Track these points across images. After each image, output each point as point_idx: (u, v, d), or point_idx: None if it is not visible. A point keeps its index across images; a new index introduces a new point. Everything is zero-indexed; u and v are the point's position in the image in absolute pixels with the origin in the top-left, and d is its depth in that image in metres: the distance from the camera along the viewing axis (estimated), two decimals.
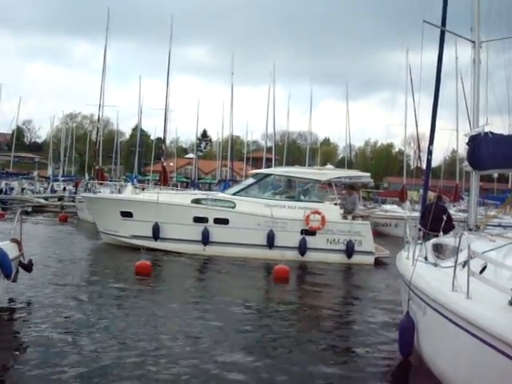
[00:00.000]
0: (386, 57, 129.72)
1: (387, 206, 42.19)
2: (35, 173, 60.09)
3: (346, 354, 8.58)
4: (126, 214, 20.08)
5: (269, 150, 61.23)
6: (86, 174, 56.27)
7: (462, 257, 6.48)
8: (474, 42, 10.63)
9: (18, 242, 10.34)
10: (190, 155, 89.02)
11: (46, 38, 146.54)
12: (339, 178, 21.79)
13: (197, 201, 20.21)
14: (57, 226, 29.39)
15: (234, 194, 20.83)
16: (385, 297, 13.38)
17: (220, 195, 21.64)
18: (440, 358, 6.75)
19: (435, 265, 8.08)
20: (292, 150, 76.18)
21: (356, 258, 19.22)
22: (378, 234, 34.20)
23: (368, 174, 26.84)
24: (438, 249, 9.05)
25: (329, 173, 21.67)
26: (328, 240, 19.48)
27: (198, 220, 19.57)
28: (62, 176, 63.92)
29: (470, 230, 9.75)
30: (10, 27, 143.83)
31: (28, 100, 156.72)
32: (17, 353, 7.83)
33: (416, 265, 7.89)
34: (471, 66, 10.69)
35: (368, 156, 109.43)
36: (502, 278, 5.76)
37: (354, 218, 20.21)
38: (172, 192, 25.57)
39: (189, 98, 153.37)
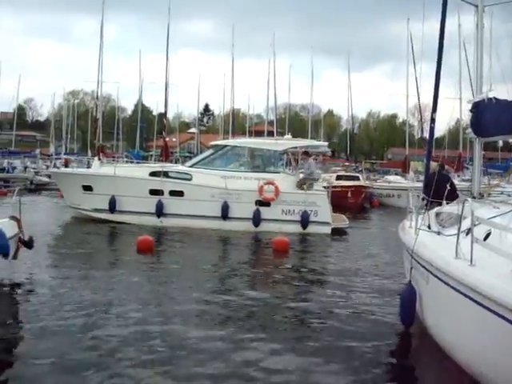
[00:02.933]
0: (388, 27, 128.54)
1: (390, 177, 42.11)
2: (37, 151, 59.95)
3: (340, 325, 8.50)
4: (87, 188, 20.65)
5: (271, 122, 60.84)
6: (89, 151, 56.07)
7: (466, 224, 6.37)
8: (476, 6, 10.38)
9: (18, 220, 10.26)
10: (193, 130, 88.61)
11: (46, 15, 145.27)
12: (295, 147, 22.02)
13: (154, 173, 20.48)
14: (58, 201, 29.19)
15: (191, 166, 21.12)
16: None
17: (178, 168, 22.06)
18: (443, 326, 6.68)
19: (438, 233, 7.99)
20: (294, 123, 75.62)
21: (311, 228, 19.03)
22: (381, 205, 34.37)
23: (325, 143, 27.02)
24: (441, 217, 8.93)
25: (285, 143, 21.63)
26: (283, 211, 19.39)
27: (153, 192, 19.85)
28: (65, 154, 63.73)
29: (474, 198, 9.62)
30: (11, 5, 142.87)
31: (29, 78, 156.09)
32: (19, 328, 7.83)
33: (419, 233, 7.77)
34: (474, 32, 10.45)
35: (371, 127, 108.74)
36: (507, 244, 5.64)
37: (311, 184, 20.10)
38: (131, 165, 25.65)
39: (191, 73, 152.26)
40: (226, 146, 22.29)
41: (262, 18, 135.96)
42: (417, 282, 7.63)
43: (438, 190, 9.21)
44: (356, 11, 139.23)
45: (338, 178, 34.66)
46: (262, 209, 19.28)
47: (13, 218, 10.20)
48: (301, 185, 19.88)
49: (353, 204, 30.84)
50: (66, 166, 42.57)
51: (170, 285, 10.79)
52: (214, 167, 20.66)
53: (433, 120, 12.60)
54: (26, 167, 47.36)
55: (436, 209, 9.43)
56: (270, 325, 8.39)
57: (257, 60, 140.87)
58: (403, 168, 38.88)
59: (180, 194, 19.84)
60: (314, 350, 7.21)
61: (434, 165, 14.09)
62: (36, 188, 37.11)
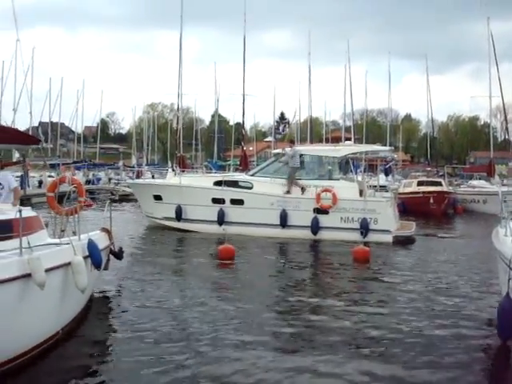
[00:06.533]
0: (467, 27, 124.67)
1: (474, 182, 40.62)
2: (120, 162, 61.88)
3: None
4: (158, 198, 21.51)
5: (348, 129, 60.15)
6: (169, 162, 57.32)
7: None
8: None
9: (108, 231, 10.57)
10: (269, 138, 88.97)
11: (128, 31, 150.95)
12: (355, 153, 21.67)
13: (217, 183, 20.83)
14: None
15: (253, 175, 21.33)
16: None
17: (239, 176, 22.32)
18: None
19: None
20: (372, 128, 74.46)
21: (371, 237, 18.29)
22: (465, 211, 33.15)
23: (387, 148, 26.06)
24: None
25: (344, 149, 21.28)
26: (342, 218, 19.00)
27: (215, 201, 20.19)
28: (146, 165, 65.49)
29: None
30: (93, 24, 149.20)
31: (111, 93, 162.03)
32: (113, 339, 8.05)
33: None
34: None
35: (451, 131, 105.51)
36: None
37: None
38: (197, 175, 26.50)
39: (267, 82, 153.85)
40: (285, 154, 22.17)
41: (339, 25, 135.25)
42: None
43: None
44: (434, 12, 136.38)
45: (420, 183, 33.75)
46: (321, 217, 19.05)
47: (104, 229, 10.51)
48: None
49: (435, 211, 29.93)
50: (138, 177, 43.94)
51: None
52: (274, 175, 20.64)
53: None
54: (110, 179, 48.99)
55: None
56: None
57: (333, 67, 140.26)
58: (488, 172, 37.31)
59: (240, 202, 20.09)
60: (406, 367, 7.06)
61: None
62: (120, 199, 38.25)
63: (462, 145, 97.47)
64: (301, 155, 20.85)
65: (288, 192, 19.83)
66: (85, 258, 8.11)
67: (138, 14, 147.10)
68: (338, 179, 20.48)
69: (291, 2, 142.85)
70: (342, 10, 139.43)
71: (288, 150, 20.71)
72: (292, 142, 22.05)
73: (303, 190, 19.74)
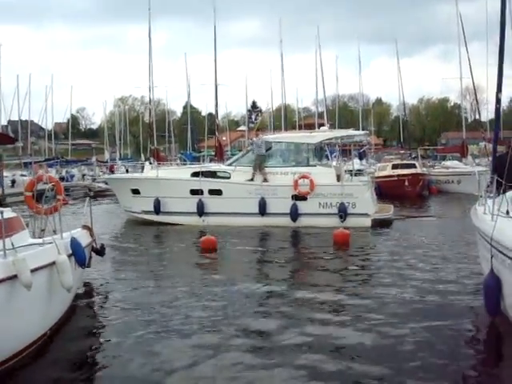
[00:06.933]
0: (435, 9, 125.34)
1: (447, 163, 41.09)
2: (93, 158, 61.22)
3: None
4: (136, 191, 21.46)
5: (320, 115, 60.28)
6: (142, 155, 56.89)
7: None
8: None
9: (89, 229, 10.48)
10: (242, 127, 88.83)
11: (96, 26, 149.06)
12: (330, 138, 21.91)
13: (195, 174, 20.78)
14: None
15: (230, 165, 21.33)
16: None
17: (216, 167, 22.34)
18: None
19: None
20: (343, 113, 74.76)
21: (350, 221, 18.43)
22: (440, 192, 33.56)
23: (362, 132, 26.32)
24: None
25: (319, 135, 21.47)
26: (320, 204, 19.16)
27: (193, 192, 20.21)
28: (120, 159, 64.92)
29: None
30: (62, 19, 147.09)
31: (81, 88, 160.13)
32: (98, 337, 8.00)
33: (497, 220, 7.50)
34: None
35: (422, 113, 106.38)
36: None
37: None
38: (173, 167, 26.40)
39: (237, 72, 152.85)
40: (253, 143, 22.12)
41: (307, 13, 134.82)
42: (499, 270, 7.38)
43: (508, 173, 8.90)
44: None
45: (394, 166, 33.97)
46: (299, 203, 19.19)
47: (85, 227, 10.41)
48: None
49: (411, 193, 30.27)
50: (112, 171, 43.62)
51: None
52: (250, 164, 20.58)
53: (498, 100, 11.99)
54: (83, 175, 48.44)
55: (510, 192, 9.07)
56: None
57: (304, 54, 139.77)
58: (461, 152, 37.79)
59: (218, 192, 20.12)
60: (397, 342, 7.26)
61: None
62: (95, 195, 37.87)
63: (433, 127, 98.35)
64: (270, 143, 21.07)
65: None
66: (68, 256, 8.03)
67: (105, 7, 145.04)
68: (315, 165, 20.50)
69: None
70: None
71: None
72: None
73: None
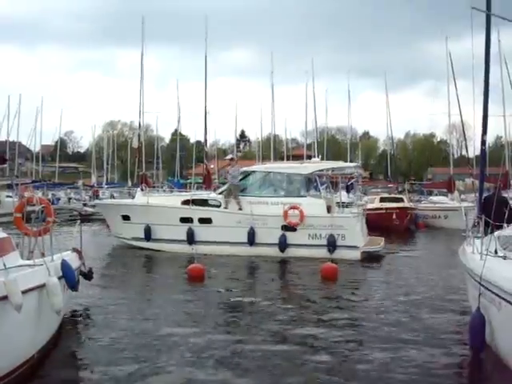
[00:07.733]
0: (425, 47, 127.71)
1: (434, 198, 41.47)
2: (80, 182, 61.06)
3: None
4: (126, 218, 21.31)
5: (309, 146, 60.69)
6: (129, 181, 56.80)
7: None
8: None
9: (79, 252, 10.47)
10: (230, 156, 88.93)
11: (87, 50, 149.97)
12: (321, 170, 21.90)
13: (186, 202, 20.76)
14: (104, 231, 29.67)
15: (221, 193, 21.17)
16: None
17: (207, 195, 22.35)
18: None
19: (504, 257, 7.84)
20: (332, 146, 75.33)
21: (339, 253, 18.44)
22: (427, 226, 33.80)
23: (352, 164, 26.46)
24: (504, 241, 8.76)
25: (310, 166, 21.61)
26: (309, 235, 19.15)
27: (183, 220, 20.12)
28: (106, 183, 64.72)
29: None
30: (55, 41, 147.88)
31: (69, 111, 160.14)
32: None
33: (486, 259, 7.65)
34: None
35: (409, 148, 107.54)
36: None
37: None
38: (165, 194, 26.55)
39: (227, 100, 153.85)
40: (252, 172, 22.13)
41: (299, 46, 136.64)
42: (486, 308, 7.49)
43: (496, 212, 9.08)
44: (392, 32, 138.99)
45: (382, 199, 34.24)
46: (288, 234, 19.19)
47: (75, 249, 10.40)
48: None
49: (398, 226, 30.38)
50: (96, 196, 43.54)
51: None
52: (241, 193, 20.59)
53: (483, 142, 12.43)
54: (69, 198, 48.28)
55: (497, 232, 9.22)
56: None
57: (293, 86, 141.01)
58: (448, 188, 38.16)
59: (208, 221, 20.06)
60: (380, 377, 7.25)
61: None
62: (82, 219, 37.71)
63: (419, 161, 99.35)
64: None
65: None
66: (59, 278, 8.01)
67: (98, 31, 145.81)
68: (305, 196, 20.54)
69: (253, 23, 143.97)
70: (302, 30, 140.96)
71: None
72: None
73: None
